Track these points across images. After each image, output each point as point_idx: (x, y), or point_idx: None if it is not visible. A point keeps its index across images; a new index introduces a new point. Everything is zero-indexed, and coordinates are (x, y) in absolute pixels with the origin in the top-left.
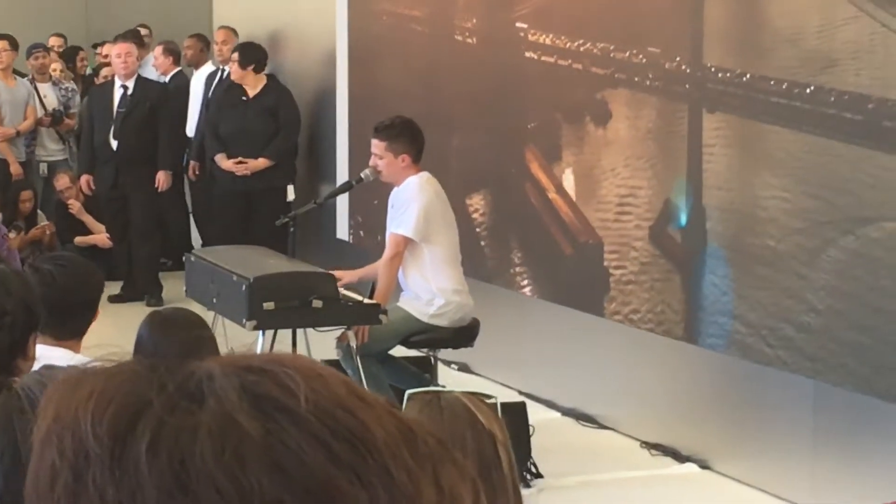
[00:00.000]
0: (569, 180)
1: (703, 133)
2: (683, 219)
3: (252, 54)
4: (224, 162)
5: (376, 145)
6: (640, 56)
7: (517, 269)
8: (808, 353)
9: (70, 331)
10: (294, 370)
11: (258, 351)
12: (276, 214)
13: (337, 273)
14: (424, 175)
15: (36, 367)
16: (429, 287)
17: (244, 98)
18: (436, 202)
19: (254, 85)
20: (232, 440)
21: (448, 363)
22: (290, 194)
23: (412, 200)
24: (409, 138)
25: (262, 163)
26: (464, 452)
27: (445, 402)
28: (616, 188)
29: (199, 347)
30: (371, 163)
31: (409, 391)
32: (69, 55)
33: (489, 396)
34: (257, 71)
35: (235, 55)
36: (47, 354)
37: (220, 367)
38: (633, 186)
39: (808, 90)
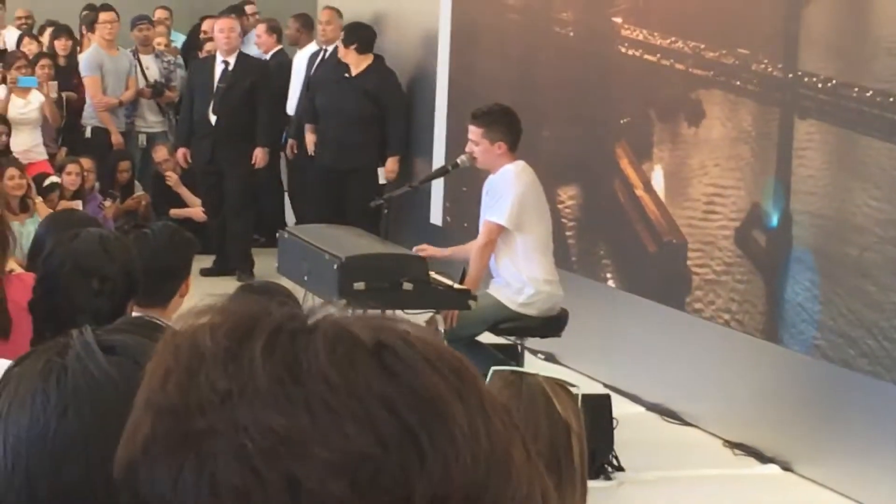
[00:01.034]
0: (657, 177)
1: (794, 138)
2: (771, 221)
3: (354, 34)
4: (309, 136)
5: (473, 132)
6: (734, 57)
7: (603, 261)
8: (893, 361)
9: (157, 298)
10: (405, 321)
11: None
12: (367, 195)
13: (426, 247)
14: (520, 164)
15: None
16: (519, 275)
17: (346, 76)
18: (531, 191)
19: (357, 64)
20: (345, 344)
21: (535, 352)
22: (382, 177)
23: (507, 188)
24: (506, 126)
25: (393, 161)
26: (536, 437)
27: (527, 384)
28: (704, 187)
29: None
30: (467, 149)
31: (494, 367)
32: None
33: (573, 386)
34: (361, 51)
35: (345, 37)
36: None
37: (334, 306)
38: (722, 186)
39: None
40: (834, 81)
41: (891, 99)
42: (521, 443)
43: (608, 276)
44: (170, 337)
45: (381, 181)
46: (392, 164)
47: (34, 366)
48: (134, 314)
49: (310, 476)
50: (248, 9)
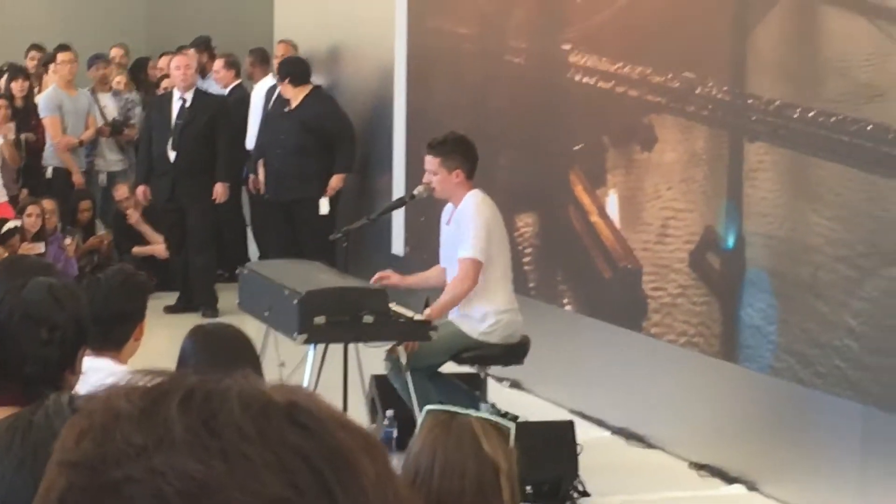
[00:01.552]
0: (612, 203)
1: (746, 161)
2: (725, 244)
3: (286, 68)
4: (260, 170)
5: (430, 161)
6: (683, 82)
7: (561, 287)
8: (851, 379)
9: (111, 341)
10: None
11: (308, 365)
12: (314, 226)
13: (390, 274)
14: (479, 194)
15: (80, 379)
16: (480, 307)
17: (286, 110)
18: (494, 221)
19: (295, 97)
20: (259, 401)
21: (499, 380)
22: (324, 207)
23: (473, 221)
24: (462, 154)
25: (337, 179)
26: (462, 477)
27: (456, 424)
28: (659, 211)
29: (242, 363)
30: (425, 179)
31: (427, 406)
32: (139, 66)
33: (504, 425)
34: (295, 84)
35: (280, 73)
36: (91, 365)
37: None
38: (676, 210)
39: (850, 123)
40: (779, 103)
41: (836, 120)
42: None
43: (567, 301)
44: (84, 402)
45: (323, 211)
46: (336, 181)
47: (6, 422)
48: (88, 359)
49: None
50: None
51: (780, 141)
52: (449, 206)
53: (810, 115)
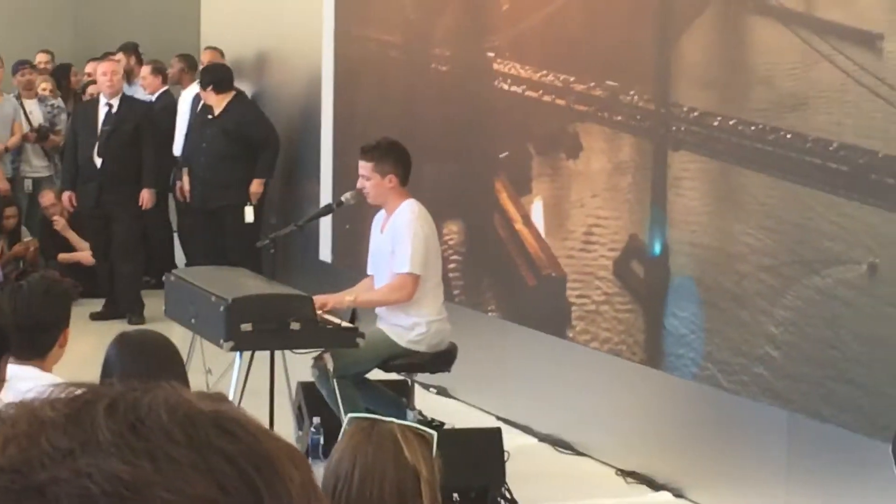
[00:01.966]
0: (537, 211)
1: (671, 169)
2: (650, 251)
3: (209, 75)
4: (185, 178)
5: (363, 166)
6: (608, 90)
7: (487, 294)
8: (775, 388)
9: (34, 350)
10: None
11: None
12: (240, 233)
13: (327, 301)
14: (416, 205)
15: (4, 387)
16: (410, 315)
17: (209, 117)
18: (430, 234)
19: (218, 104)
20: (186, 409)
21: (427, 387)
22: (249, 215)
23: (405, 235)
24: (395, 159)
25: (257, 184)
26: (382, 483)
27: (377, 431)
28: (584, 219)
29: (167, 370)
30: (358, 185)
31: (349, 415)
32: (62, 72)
33: (427, 432)
34: (218, 91)
35: (203, 80)
36: (16, 374)
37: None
38: (601, 218)
39: (774, 132)
40: (704, 112)
41: (760, 129)
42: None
43: (492, 308)
44: (6, 411)
45: (248, 219)
46: (255, 186)
47: None
48: (12, 367)
49: None
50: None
51: (704, 150)
52: (381, 213)
53: (734, 124)
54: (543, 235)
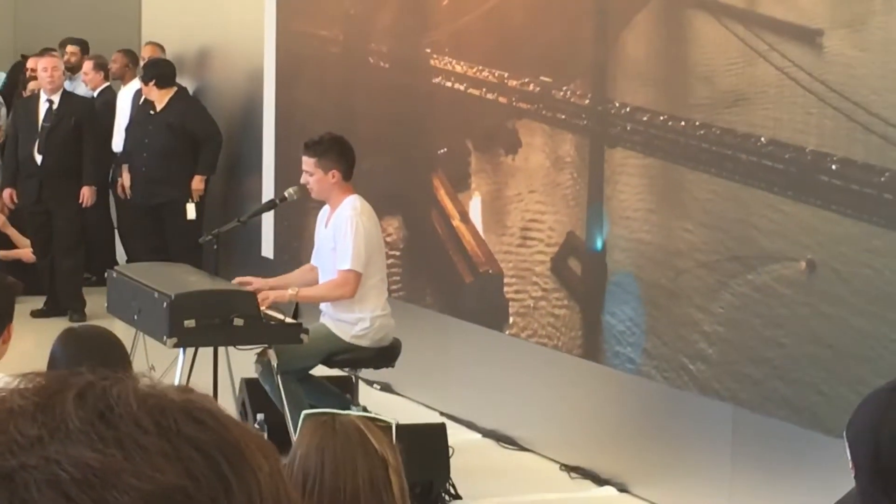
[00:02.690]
0: (475, 207)
1: (608, 165)
2: (591, 246)
3: (152, 70)
4: (125, 174)
5: (306, 162)
6: (545, 86)
7: (426, 290)
8: (713, 383)
9: None
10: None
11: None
12: (181, 229)
13: (249, 280)
14: (358, 201)
15: None
16: (354, 310)
17: (151, 112)
18: (373, 230)
19: (160, 99)
20: (155, 397)
21: (370, 383)
22: (191, 212)
23: (347, 232)
24: (337, 154)
25: (198, 181)
26: (355, 475)
27: (340, 424)
28: (521, 215)
29: (113, 365)
30: (302, 180)
31: (304, 412)
32: (18, 68)
33: (385, 421)
34: (160, 86)
35: (146, 75)
36: None
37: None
38: (539, 213)
39: (712, 129)
40: (642, 108)
41: (699, 125)
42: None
43: (431, 303)
44: None
45: (190, 216)
46: (196, 182)
47: None
48: None
49: None
50: (71, 48)
51: (643, 147)
52: (326, 207)
53: (673, 120)
54: (481, 232)
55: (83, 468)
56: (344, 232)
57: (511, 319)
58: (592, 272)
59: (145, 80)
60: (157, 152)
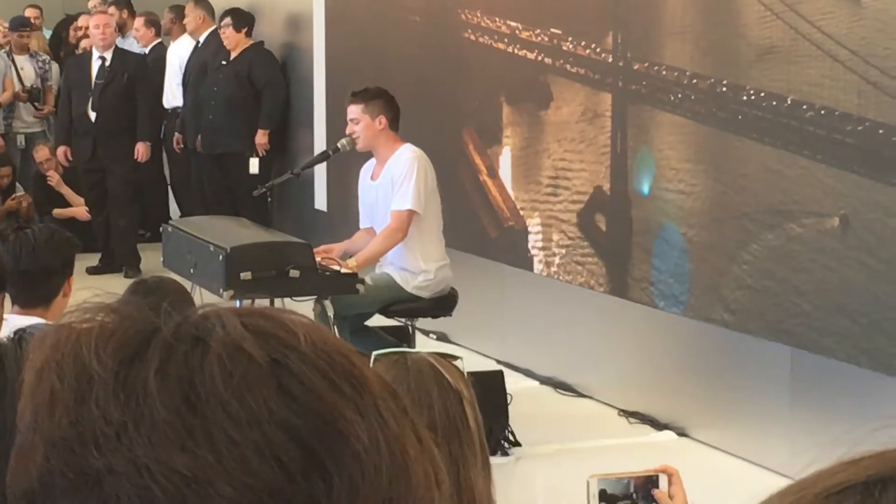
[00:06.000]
0: (505, 162)
1: (628, 122)
2: (640, 191)
3: (244, 18)
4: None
5: (352, 110)
6: (571, 43)
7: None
8: (778, 325)
9: (39, 298)
10: (291, 317)
11: None
12: (245, 179)
13: (325, 248)
14: (416, 149)
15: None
16: (415, 261)
17: (224, 63)
18: (430, 174)
19: (236, 47)
20: (240, 366)
21: (426, 333)
22: (253, 167)
23: (409, 173)
24: (385, 101)
25: (262, 135)
26: (431, 409)
27: (412, 361)
28: (553, 164)
29: None
30: (348, 130)
31: (375, 352)
32: (64, 25)
33: (455, 357)
34: (240, 30)
35: (228, 19)
36: (18, 322)
37: (221, 309)
38: (570, 162)
39: (741, 91)
40: (669, 67)
41: (725, 84)
42: (412, 433)
43: (492, 252)
44: (51, 348)
45: (253, 171)
46: (260, 136)
47: None
48: (16, 316)
49: None
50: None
51: (678, 107)
52: (370, 162)
53: (701, 79)
54: (509, 188)
55: (174, 477)
56: (405, 173)
57: (553, 267)
58: (644, 216)
59: (235, 27)
60: (223, 101)
